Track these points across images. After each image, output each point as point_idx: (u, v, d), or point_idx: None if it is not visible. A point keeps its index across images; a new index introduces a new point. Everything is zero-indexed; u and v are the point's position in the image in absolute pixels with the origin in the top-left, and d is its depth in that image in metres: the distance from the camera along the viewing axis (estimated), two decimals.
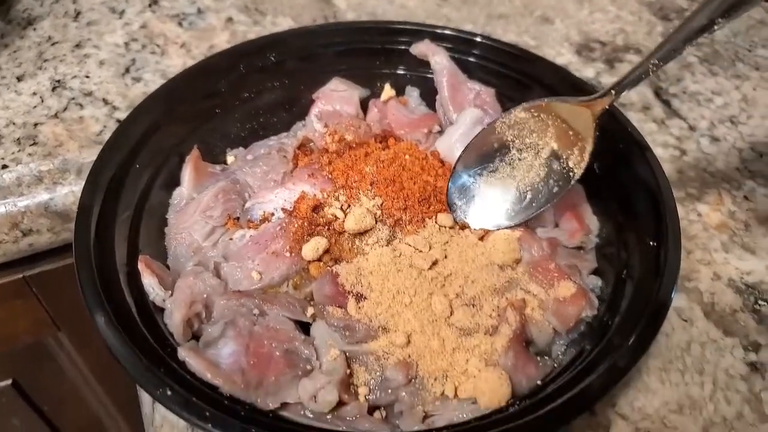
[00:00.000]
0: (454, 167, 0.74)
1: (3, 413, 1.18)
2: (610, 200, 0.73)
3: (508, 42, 0.90)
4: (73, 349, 1.11)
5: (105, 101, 0.92)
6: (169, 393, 0.51)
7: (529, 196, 0.72)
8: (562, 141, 0.71)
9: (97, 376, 1.18)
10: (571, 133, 0.70)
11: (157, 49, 1.03)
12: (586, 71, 1.05)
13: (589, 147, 0.70)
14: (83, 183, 0.67)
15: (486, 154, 0.74)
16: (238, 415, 0.52)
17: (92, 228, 0.63)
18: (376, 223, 0.70)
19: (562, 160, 0.71)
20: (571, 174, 0.71)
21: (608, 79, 1.04)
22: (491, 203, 0.73)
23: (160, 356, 0.56)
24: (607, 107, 0.68)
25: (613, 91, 0.68)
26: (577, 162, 0.70)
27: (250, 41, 0.88)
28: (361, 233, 0.70)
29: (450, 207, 0.73)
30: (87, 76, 0.96)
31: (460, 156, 0.74)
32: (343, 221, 0.69)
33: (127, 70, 0.98)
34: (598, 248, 0.73)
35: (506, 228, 0.71)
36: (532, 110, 0.72)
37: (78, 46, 1.02)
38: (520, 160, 0.73)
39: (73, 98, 0.92)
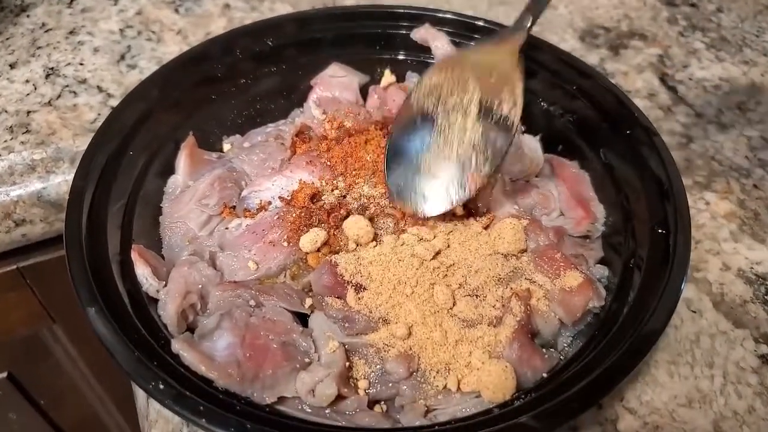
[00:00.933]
0: (385, 162, 0.66)
1: None
2: (617, 188, 0.71)
3: None
4: (68, 342, 1.10)
5: (99, 89, 0.90)
6: (161, 387, 0.49)
7: (473, 159, 0.65)
8: (487, 90, 0.65)
9: (94, 370, 1.17)
10: (493, 79, 0.64)
11: (152, 35, 1.01)
12: (590, 57, 1.03)
13: (518, 87, 0.64)
14: None
15: (412, 134, 0.66)
16: (233, 409, 0.51)
17: (84, 217, 0.61)
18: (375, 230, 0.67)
19: (494, 111, 0.65)
20: (508, 122, 0.65)
21: (613, 66, 1.02)
22: (438, 183, 0.66)
23: (153, 349, 0.54)
24: (525, 40, 0.63)
25: (527, 23, 0.63)
26: (511, 106, 0.65)
27: (246, 26, 0.85)
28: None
29: (402, 203, 0.67)
30: (81, 64, 0.95)
31: (387, 148, 0.66)
32: (344, 217, 0.67)
33: (122, 57, 0.96)
34: (604, 237, 0.71)
35: (463, 200, 0.65)
36: (445, 69, 0.65)
37: (72, 33, 1.00)
38: (450, 126, 0.66)
39: (67, 86, 0.91)
